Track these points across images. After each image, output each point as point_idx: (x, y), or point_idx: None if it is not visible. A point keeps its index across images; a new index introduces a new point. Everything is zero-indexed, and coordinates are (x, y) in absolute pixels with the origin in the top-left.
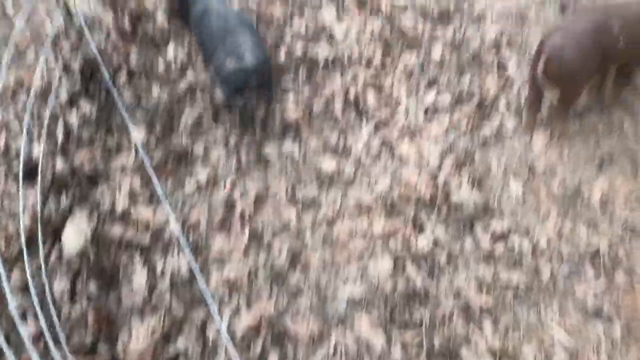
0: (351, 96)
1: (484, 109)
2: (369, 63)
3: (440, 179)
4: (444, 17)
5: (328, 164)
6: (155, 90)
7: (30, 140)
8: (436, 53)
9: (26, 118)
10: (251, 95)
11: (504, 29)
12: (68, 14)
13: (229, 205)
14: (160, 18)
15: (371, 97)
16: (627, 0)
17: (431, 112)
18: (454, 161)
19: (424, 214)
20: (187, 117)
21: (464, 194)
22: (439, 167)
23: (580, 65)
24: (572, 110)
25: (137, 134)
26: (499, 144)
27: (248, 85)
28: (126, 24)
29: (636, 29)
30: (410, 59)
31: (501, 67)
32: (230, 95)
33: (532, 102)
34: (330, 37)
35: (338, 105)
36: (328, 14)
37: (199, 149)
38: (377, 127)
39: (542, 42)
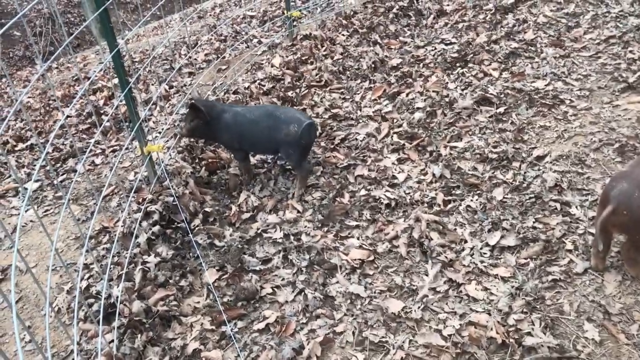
0: (415, 236)
1: (550, 250)
2: (431, 205)
3: (511, 321)
4: (503, 160)
5: (395, 305)
6: (228, 233)
7: (110, 283)
8: (498, 195)
9: (108, 261)
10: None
11: (564, 171)
12: (151, 165)
13: (298, 348)
14: (233, 169)
15: (435, 238)
16: None
17: (497, 252)
18: (524, 303)
19: (496, 358)
20: (256, 258)
21: (537, 338)
22: (510, 308)
23: None
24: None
25: (210, 276)
26: (569, 285)
27: (314, 138)
28: (203, 173)
29: None
30: (472, 200)
31: (564, 208)
32: (303, 155)
33: (600, 246)
34: (393, 180)
35: (403, 246)
36: (389, 160)
37: (267, 289)
38: (443, 267)
39: (607, 190)
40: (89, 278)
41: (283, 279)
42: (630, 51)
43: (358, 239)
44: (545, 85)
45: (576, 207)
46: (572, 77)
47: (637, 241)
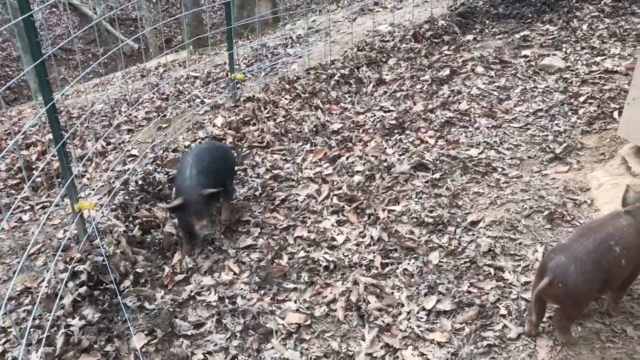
0: (353, 300)
1: (485, 315)
2: (369, 268)
3: None
4: (439, 225)
5: None
6: (159, 296)
7: (28, 348)
8: (434, 259)
9: (28, 324)
10: None
11: (497, 237)
12: (82, 223)
13: None
14: (168, 228)
15: (373, 301)
16: (619, 218)
17: (433, 317)
18: None
19: None
20: (188, 322)
21: None
22: None
23: (584, 288)
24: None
25: (138, 340)
26: (504, 351)
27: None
28: (136, 232)
29: (635, 248)
30: (409, 264)
31: (498, 273)
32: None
33: (534, 316)
34: (332, 242)
35: (340, 310)
36: (329, 222)
37: (198, 355)
38: (380, 332)
39: (545, 262)
40: (5, 343)
41: (216, 345)
42: (556, 124)
43: (295, 302)
44: (479, 154)
45: (509, 272)
46: (504, 146)
47: (569, 312)
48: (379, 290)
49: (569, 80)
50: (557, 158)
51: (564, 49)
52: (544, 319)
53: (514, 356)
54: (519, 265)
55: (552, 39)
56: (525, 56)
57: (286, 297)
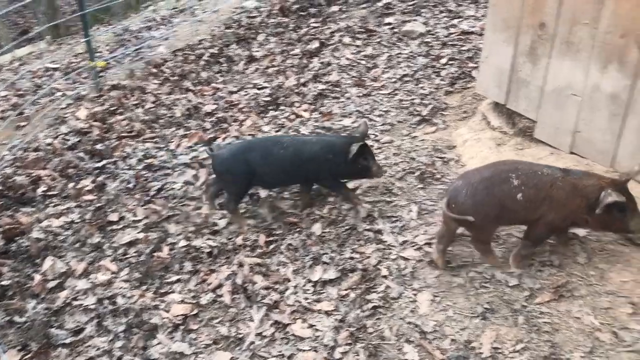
0: (239, 282)
1: (368, 279)
2: (254, 248)
3: (337, 355)
4: (320, 196)
5: (222, 358)
6: (30, 307)
7: None
8: (317, 230)
9: None
10: None
11: (374, 201)
12: None
13: None
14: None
15: (259, 281)
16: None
17: (320, 287)
18: (348, 334)
19: None
20: (65, 330)
21: None
22: (335, 342)
23: (473, 210)
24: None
25: (10, 358)
26: (388, 310)
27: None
28: None
29: (532, 191)
30: (293, 239)
31: (377, 236)
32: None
33: (440, 241)
34: (214, 227)
35: (227, 294)
36: (208, 208)
37: None
38: (268, 310)
39: (447, 187)
40: None
41: (98, 349)
42: (422, 87)
43: (180, 293)
44: (352, 123)
45: (387, 233)
46: (375, 113)
47: (474, 234)
48: (264, 269)
49: (430, 44)
50: (424, 120)
51: (423, 14)
52: (431, 280)
53: (397, 314)
54: (396, 226)
55: (413, 5)
56: (389, 24)
57: (170, 289)
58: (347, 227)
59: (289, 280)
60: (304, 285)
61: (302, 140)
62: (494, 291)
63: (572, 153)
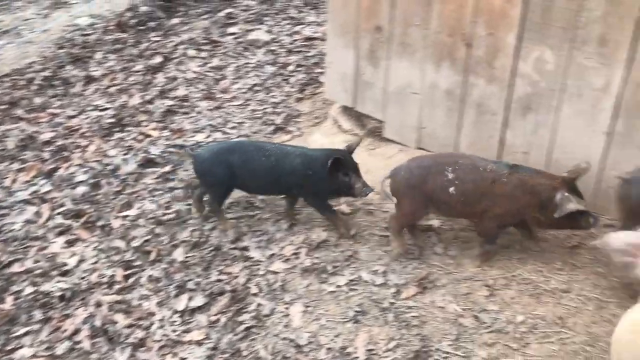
0: (98, 324)
1: (238, 299)
2: (111, 285)
3: None
4: (178, 219)
5: None
6: None
7: None
8: (179, 256)
9: None
10: None
11: (239, 217)
12: None
13: None
14: None
15: (121, 320)
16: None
17: (188, 316)
18: None
19: None
20: None
21: None
22: None
23: (403, 190)
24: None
25: None
26: (261, 329)
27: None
28: None
29: (468, 186)
30: (153, 269)
31: (244, 253)
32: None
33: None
34: (64, 267)
35: (86, 339)
36: (56, 245)
37: None
38: (134, 350)
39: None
40: None
41: None
42: (273, 96)
43: (31, 346)
44: (206, 138)
45: (254, 249)
46: (229, 126)
47: (398, 212)
48: (125, 306)
49: (277, 52)
50: (279, 128)
51: (266, 22)
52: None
53: (271, 331)
54: (262, 240)
55: (255, 14)
56: (233, 33)
57: (18, 344)
58: (211, 249)
59: (153, 314)
60: (171, 317)
61: (285, 151)
62: (362, 292)
63: (419, 148)
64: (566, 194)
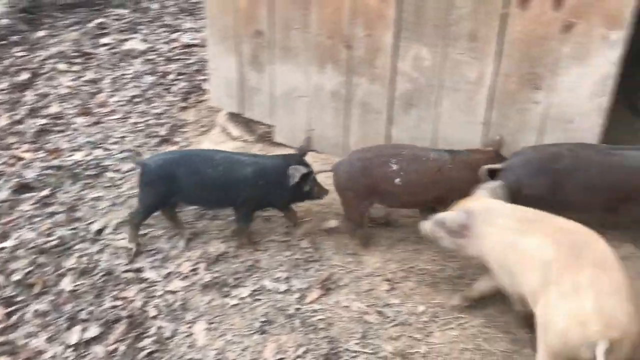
0: None
1: (136, 324)
2: None
3: None
4: (62, 246)
5: None
6: None
7: None
8: (67, 286)
9: None
10: None
11: (125, 238)
12: None
13: None
14: None
15: None
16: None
17: (83, 349)
18: None
19: None
20: None
21: None
22: None
23: (345, 183)
24: None
25: None
26: (165, 353)
27: None
28: None
29: (413, 176)
30: (39, 302)
31: (138, 275)
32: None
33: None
34: None
35: None
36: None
37: None
38: None
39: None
40: None
41: None
42: (155, 107)
43: None
44: (85, 156)
45: (149, 270)
46: (110, 142)
47: (345, 209)
48: (10, 347)
49: (155, 61)
50: (165, 140)
51: (141, 31)
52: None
53: (175, 353)
54: (156, 259)
55: (128, 23)
56: (106, 44)
57: None
58: (102, 274)
59: (43, 352)
60: (64, 353)
61: (234, 160)
62: (267, 302)
63: (310, 150)
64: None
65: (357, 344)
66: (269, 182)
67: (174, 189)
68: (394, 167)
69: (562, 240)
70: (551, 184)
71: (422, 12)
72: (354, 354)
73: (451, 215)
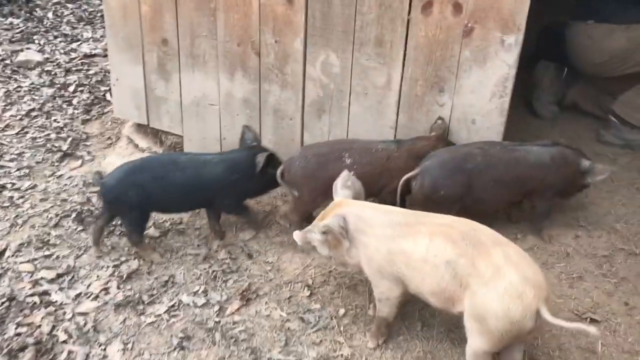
0: None
1: (45, 351)
2: None
3: None
4: None
5: None
6: None
7: None
8: None
9: None
10: None
11: (33, 259)
12: None
13: None
14: None
15: None
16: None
17: None
18: None
19: None
20: None
21: None
22: None
23: (301, 180)
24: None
25: None
26: None
27: None
28: None
29: (367, 168)
30: None
31: (44, 299)
32: None
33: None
34: None
35: None
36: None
37: None
38: None
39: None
40: None
41: None
42: (55, 120)
43: None
44: None
45: (56, 292)
46: (6, 158)
47: (296, 204)
48: None
49: (53, 72)
50: (67, 155)
51: (37, 41)
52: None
53: None
54: (64, 280)
55: (21, 32)
56: None
57: None
58: (3, 300)
59: None
60: None
61: (202, 160)
62: (185, 317)
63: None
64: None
65: (279, 352)
66: (242, 175)
67: (143, 197)
68: (348, 160)
69: (453, 235)
70: (466, 183)
71: (328, 18)
72: None
73: (332, 221)
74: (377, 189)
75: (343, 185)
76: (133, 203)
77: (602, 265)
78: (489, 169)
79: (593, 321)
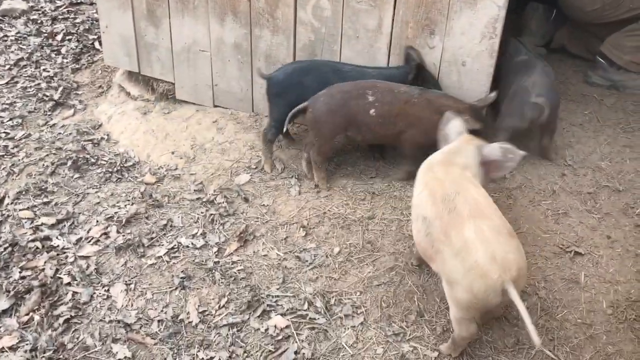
0: None
1: (50, 293)
2: None
3: None
4: None
5: None
6: None
7: None
8: None
9: None
10: None
11: (32, 206)
12: None
13: None
14: None
15: None
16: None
17: None
18: None
19: None
20: None
21: None
22: None
23: (324, 117)
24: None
25: None
26: (83, 318)
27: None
28: None
29: (386, 107)
30: None
31: (46, 244)
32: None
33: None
34: None
35: None
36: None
37: None
38: None
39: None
40: None
41: None
42: (45, 70)
43: None
44: None
45: (56, 237)
46: None
47: (317, 142)
48: None
49: (39, 21)
50: (59, 104)
51: None
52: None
53: (94, 317)
54: (64, 225)
55: None
56: None
57: None
58: (6, 246)
59: None
60: None
61: (362, 72)
62: (185, 258)
63: (216, 106)
64: (468, 117)
65: (278, 289)
66: None
67: (303, 99)
68: (370, 98)
69: (436, 194)
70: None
71: None
72: (276, 298)
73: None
74: (395, 133)
75: (457, 132)
76: (291, 100)
77: (587, 202)
78: None
79: (577, 254)
